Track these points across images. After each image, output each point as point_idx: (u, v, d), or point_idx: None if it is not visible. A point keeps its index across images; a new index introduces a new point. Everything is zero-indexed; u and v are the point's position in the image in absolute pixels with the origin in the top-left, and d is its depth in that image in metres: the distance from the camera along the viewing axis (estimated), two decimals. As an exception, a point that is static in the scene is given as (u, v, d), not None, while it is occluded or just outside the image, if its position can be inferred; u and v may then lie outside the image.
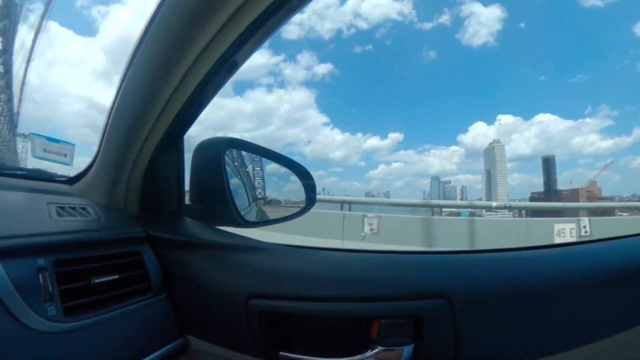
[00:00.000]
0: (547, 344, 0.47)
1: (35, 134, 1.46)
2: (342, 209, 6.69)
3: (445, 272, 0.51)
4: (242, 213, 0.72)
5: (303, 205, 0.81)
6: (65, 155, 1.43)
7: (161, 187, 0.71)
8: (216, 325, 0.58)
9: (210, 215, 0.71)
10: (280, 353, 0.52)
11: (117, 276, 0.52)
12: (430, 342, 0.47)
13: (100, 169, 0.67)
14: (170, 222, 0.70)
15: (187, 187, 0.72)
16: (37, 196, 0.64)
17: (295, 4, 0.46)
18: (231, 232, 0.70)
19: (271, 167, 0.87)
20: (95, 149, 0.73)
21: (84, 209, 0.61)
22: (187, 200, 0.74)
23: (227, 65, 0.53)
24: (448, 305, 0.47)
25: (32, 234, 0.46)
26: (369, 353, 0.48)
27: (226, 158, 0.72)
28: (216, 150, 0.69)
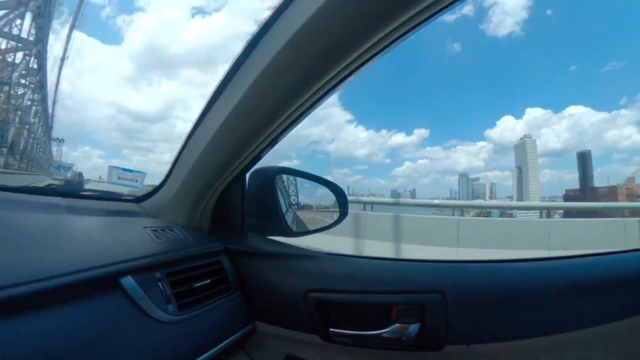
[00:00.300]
0: (516, 331, 0.65)
1: (112, 166, 1.73)
2: (364, 209, 6.72)
3: (441, 276, 0.71)
4: (287, 220, 0.91)
5: (335, 214, 0.98)
6: (137, 181, 1.69)
7: (230, 208, 0.90)
8: (280, 313, 0.77)
9: (265, 227, 0.91)
10: (330, 329, 0.71)
11: (208, 281, 0.72)
12: (430, 322, 0.67)
13: (182, 195, 0.83)
14: (238, 236, 0.89)
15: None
16: (130, 220, 0.83)
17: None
18: (284, 241, 0.89)
19: (304, 184, 1.04)
20: (164, 174, 0.87)
21: (171, 230, 0.79)
22: None
23: (306, 114, 0.68)
24: (442, 298, 0.66)
25: (149, 255, 0.64)
26: (391, 328, 0.68)
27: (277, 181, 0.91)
28: (269, 176, 0.89)
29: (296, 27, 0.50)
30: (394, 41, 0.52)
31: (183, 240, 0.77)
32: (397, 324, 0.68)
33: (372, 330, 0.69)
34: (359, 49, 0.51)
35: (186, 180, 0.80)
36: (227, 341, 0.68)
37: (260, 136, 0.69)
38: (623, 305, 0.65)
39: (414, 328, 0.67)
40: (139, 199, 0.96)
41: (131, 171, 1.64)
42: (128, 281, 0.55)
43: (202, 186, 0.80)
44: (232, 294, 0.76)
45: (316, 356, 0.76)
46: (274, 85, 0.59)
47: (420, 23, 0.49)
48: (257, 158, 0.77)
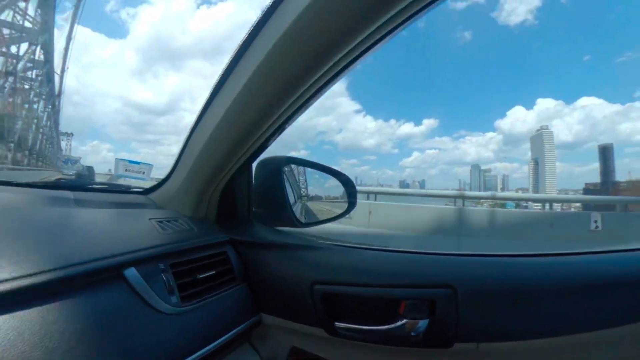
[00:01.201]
0: (527, 330, 0.61)
1: (118, 159, 1.74)
2: (368, 198, 6.75)
3: (453, 269, 0.67)
4: (295, 212, 0.89)
5: (344, 204, 0.97)
6: (144, 173, 1.69)
7: (236, 198, 0.89)
8: (285, 304, 0.75)
9: (272, 218, 0.89)
10: (336, 323, 0.69)
11: (213, 272, 0.71)
12: (440, 319, 0.63)
13: (188, 186, 0.83)
14: (244, 226, 0.88)
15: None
16: (136, 212, 0.82)
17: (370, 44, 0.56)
18: (291, 232, 0.87)
19: (315, 175, 1.02)
20: (171, 166, 0.87)
21: (176, 221, 0.78)
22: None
23: (308, 104, 0.67)
24: (453, 293, 0.63)
25: (153, 246, 0.63)
26: (398, 323, 0.65)
27: (284, 171, 0.90)
28: (277, 166, 0.87)
29: (296, 15, 0.50)
30: (398, 25, 0.52)
31: (188, 231, 0.76)
32: (405, 320, 0.65)
33: (379, 325, 0.66)
34: (360, 36, 0.51)
35: (191, 171, 0.80)
36: (231, 333, 0.67)
37: (263, 125, 0.67)
38: None
39: (422, 324, 0.64)
40: (146, 191, 0.96)
41: (138, 163, 1.65)
42: (131, 273, 0.55)
43: (207, 177, 0.79)
44: (238, 285, 0.75)
45: (322, 350, 0.75)
46: (274, 74, 0.58)
47: (418, 12, 0.50)
48: (262, 148, 0.76)
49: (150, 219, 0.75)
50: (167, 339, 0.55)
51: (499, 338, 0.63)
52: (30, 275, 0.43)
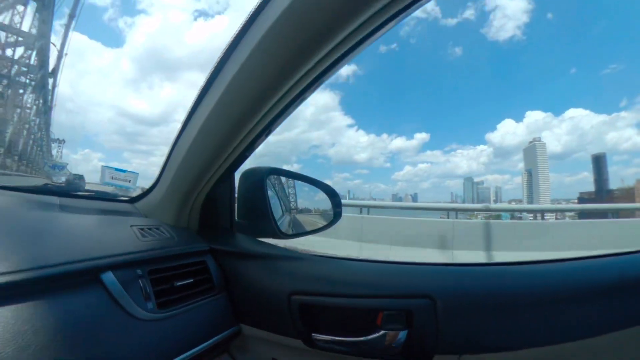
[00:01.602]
0: (512, 340, 0.61)
1: (105, 166, 1.74)
2: (360, 212, 6.70)
3: (431, 280, 0.66)
4: (279, 223, 0.88)
5: (331, 216, 0.96)
6: (130, 181, 1.69)
7: (218, 209, 0.89)
8: (264, 315, 0.75)
9: (255, 229, 0.88)
10: (313, 334, 0.69)
11: (191, 280, 0.70)
12: (418, 330, 0.63)
13: (170, 195, 0.83)
14: (225, 236, 0.87)
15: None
16: (119, 219, 0.82)
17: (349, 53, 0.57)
18: (272, 243, 0.86)
19: (304, 187, 1.02)
20: (156, 175, 0.88)
21: (157, 229, 0.78)
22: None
23: (285, 114, 0.68)
24: (432, 304, 0.62)
25: (131, 252, 0.64)
26: (376, 335, 0.64)
27: (267, 182, 0.89)
28: (259, 177, 0.86)
29: (269, 24, 0.51)
30: (373, 32, 0.52)
31: (168, 239, 0.76)
32: (383, 331, 0.64)
33: (357, 337, 0.66)
34: (330, 44, 0.52)
35: (173, 180, 0.80)
36: (208, 342, 0.66)
37: (239, 135, 0.68)
38: (628, 312, 0.59)
39: (401, 335, 0.63)
40: (132, 200, 0.96)
41: (124, 171, 1.65)
42: (108, 277, 0.56)
43: (188, 186, 0.79)
44: (217, 294, 0.74)
45: None
46: (247, 86, 0.60)
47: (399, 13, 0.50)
48: (242, 157, 0.76)
49: (131, 225, 0.75)
50: (141, 344, 0.55)
51: (482, 349, 0.61)
52: (5, 273, 0.44)
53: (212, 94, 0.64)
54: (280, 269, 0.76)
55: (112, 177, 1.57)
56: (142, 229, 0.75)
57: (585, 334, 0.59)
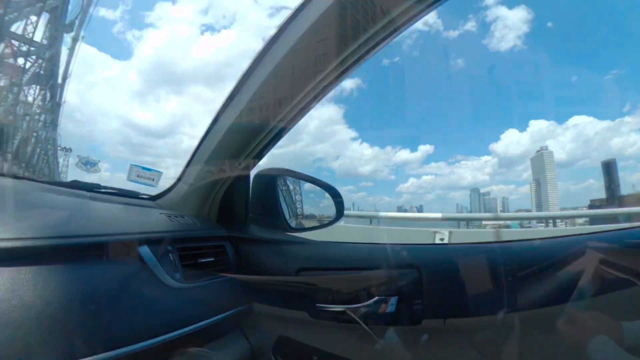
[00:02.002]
0: (490, 307, 0.72)
1: (133, 165, 1.81)
2: (370, 223, 6.72)
3: (417, 255, 0.80)
4: (287, 219, 1.02)
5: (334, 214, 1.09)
6: (153, 180, 1.78)
7: (235, 203, 1.02)
8: (274, 291, 0.87)
9: (267, 222, 1.01)
10: (317, 305, 0.81)
11: (212, 259, 0.83)
12: (407, 295, 0.75)
13: (194, 189, 0.95)
14: (241, 226, 1.01)
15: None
16: (148, 209, 0.95)
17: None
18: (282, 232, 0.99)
19: (309, 187, 1.16)
20: (177, 176, 0.99)
21: (182, 217, 0.90)
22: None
23: (293, 123, 0.82)
24: (417, 272, 0.75)
25: (163, 231, 0.76)
26: (371, 300, 0.76)
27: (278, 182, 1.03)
28: (272, 178, 1.01)
29: (288, 48, 0.65)
30: (389, 34, 0.64)
31: (192, 224, 0.89)
32: (376, 297, 0.76)
33: (355, 304, 0.77)
34: (343, 54, 0.64)
35: (197, 178, 0.93)
36: (224, 314, 0.77)
37: (256, 139, 0.82)
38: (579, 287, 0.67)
39: (393, 301, 0.75)
40: (153, 198, 1.06)
41: (150, 170, 1.73)
42: (144, 249, 0.66)
43: (210, 182, 0.92)
44: (233, 275, 0.86)
45: (307, 336, 0.85)
46: (266, 98, 0.74)
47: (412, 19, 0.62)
48: (259, 157, 0.89)
49: (160, 213, 0.88)
50: (170, 308, 0.66)
51: (463, 314, 0.73)
52: (61, 237, 0.53)
53: (231, 110, 0.78)
54: (289, 252, 0.90)
55: (138, 175, 1.65)
56: (169, 216, 0.87)
57: (552, 303, 0.69)
